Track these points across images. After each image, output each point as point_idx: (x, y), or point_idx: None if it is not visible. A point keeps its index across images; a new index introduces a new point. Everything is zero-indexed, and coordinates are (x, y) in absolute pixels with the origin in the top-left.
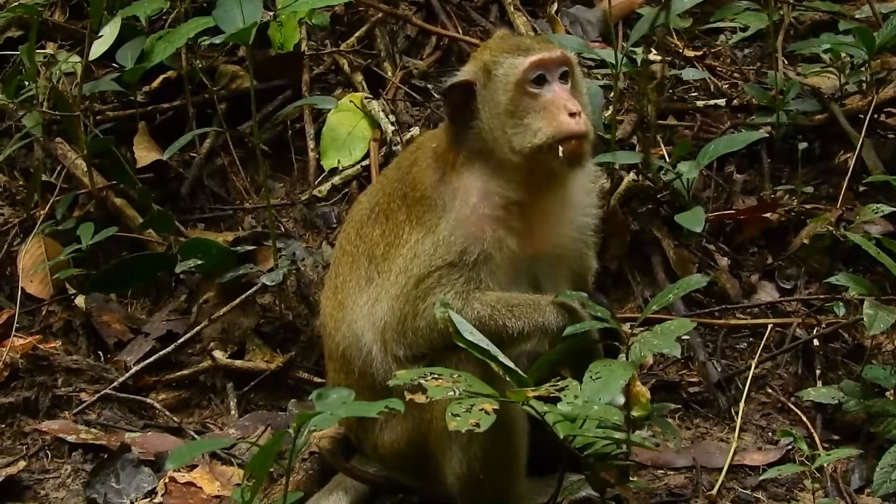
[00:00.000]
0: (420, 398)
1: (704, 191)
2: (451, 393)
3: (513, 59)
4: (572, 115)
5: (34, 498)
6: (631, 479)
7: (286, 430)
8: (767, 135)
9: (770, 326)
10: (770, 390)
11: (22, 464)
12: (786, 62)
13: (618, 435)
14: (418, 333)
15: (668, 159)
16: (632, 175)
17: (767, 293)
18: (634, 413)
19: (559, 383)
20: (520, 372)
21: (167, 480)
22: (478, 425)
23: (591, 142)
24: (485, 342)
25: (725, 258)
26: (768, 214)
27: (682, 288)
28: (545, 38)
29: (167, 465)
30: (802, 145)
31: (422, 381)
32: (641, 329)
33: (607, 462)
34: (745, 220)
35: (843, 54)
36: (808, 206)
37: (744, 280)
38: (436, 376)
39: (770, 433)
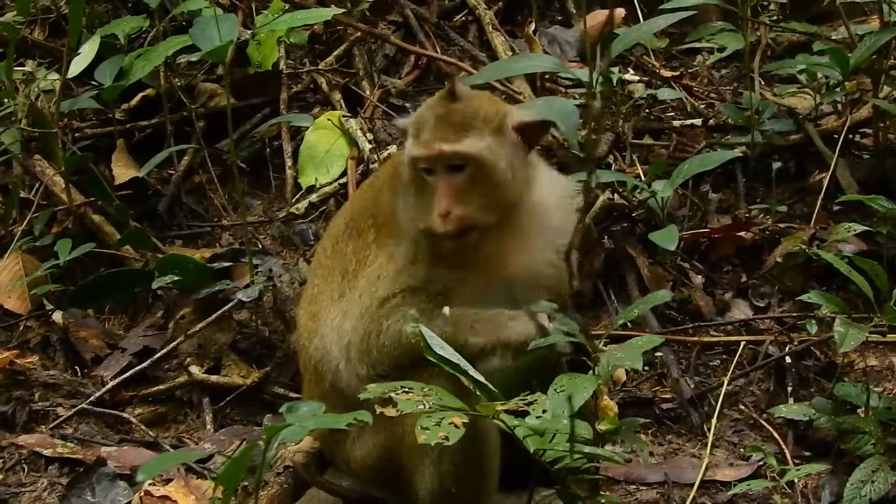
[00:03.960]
0: (391, 411)
1: (679, 209)
2: (422, 406)
3: (410, 141)
4: (442, 215)
5: None
6: (602, 493)
7: (257, 442)
8: (742, 154)
9: (743, 344)
10: (742, 407)
11: None
12: (762, 83)
13: (587, 449)
14: (382, 351)
15: (643, 178)
16: (607, 193)
17: (741, 311)
18: (601, 427)
19: (528, 397)
20: (490, 386)
21: (142, 494)
22: (447, 438)
23: (477, 229)
24: (455, 356)
25: (700, 276)
26: (742, 233)
27: (648, 302)
28: (458, 122)
29: (139, 476)
30: (777, 165)
31: (392, 394)
32: (611, 344)
33: (578, 476)
34: (720, 239)
35: (818, 75)
36: (782, 225)
37: (717, 298)
38: (406, 390)
39: (742, 449)
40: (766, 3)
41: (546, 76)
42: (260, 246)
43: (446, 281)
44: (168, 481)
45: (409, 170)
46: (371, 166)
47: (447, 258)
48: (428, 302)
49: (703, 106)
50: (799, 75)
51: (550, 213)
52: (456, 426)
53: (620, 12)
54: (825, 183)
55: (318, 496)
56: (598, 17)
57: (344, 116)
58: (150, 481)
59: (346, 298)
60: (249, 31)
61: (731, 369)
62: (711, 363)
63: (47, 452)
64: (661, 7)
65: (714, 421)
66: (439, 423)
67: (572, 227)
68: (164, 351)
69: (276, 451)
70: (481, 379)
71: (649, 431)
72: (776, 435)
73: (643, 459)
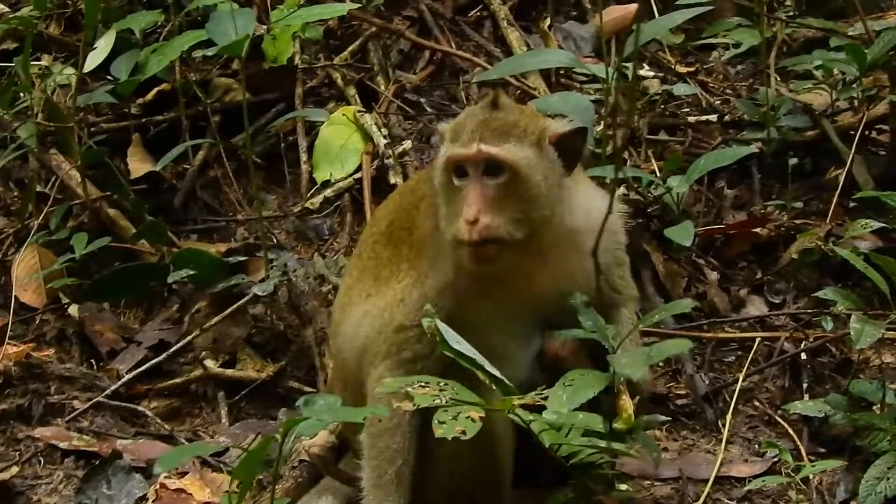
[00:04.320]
0: (407, 406)
1: (695, 205)
2: (438, 401)
3: (447, 143)
4: (470, 221)
5: (27, 503)
6: (617, 488)
7: (273, 435)
8: (758, 150)
9: (758, 340)
10: (757, 403)
11: (15, 469)
12: (778, 79)
13: (603, 443)
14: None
15: (658, 174)
16: (622, 189)
17: (756, 307)
18: (616, 425)
19: (545, 391)
20: (506, 381)
21: (158, 487)
22: (464, 433)
23: (502, 243)
24: (472, 351)
25: (715, 272)
26: (758, 229)
27: (670, 310)
28: (499, 128)
29: (156, 468)
30: (793, 161)
31: (409, 389)
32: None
33: (593, 471)
34: (735, 235)
35: (834, 71)
36: (797, 222)
37: (733, 294)
38: (423, 384)
39: (756, 445)
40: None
41: (561, 72)
42: (275, 240)
43: (469, 316)
44: (183, 474)
45: (443, 174)
46: (386, 161)
47: (474, 288)
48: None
49: (718, 102)
50: (815, 71)
51: (583, 236)
52: (473, 420)
53: (634, 8)
54: (841, 179)
55: (333, 485)
56: (613, 12)
57: (359, 112)
58: (165, 474)
59: (373, 302)
60: (264, 26)
61: (747, 366)
62: (726, 359)
63: (63, 445)
64: (676, 3)
65: (729, 417)
66: (456, 418)
67: (618, 242)
68: (179, 345)
69: (292, 445)
70: (498, 374)
71: (664, 427)
72: (791, 431)
73: (655, 462)
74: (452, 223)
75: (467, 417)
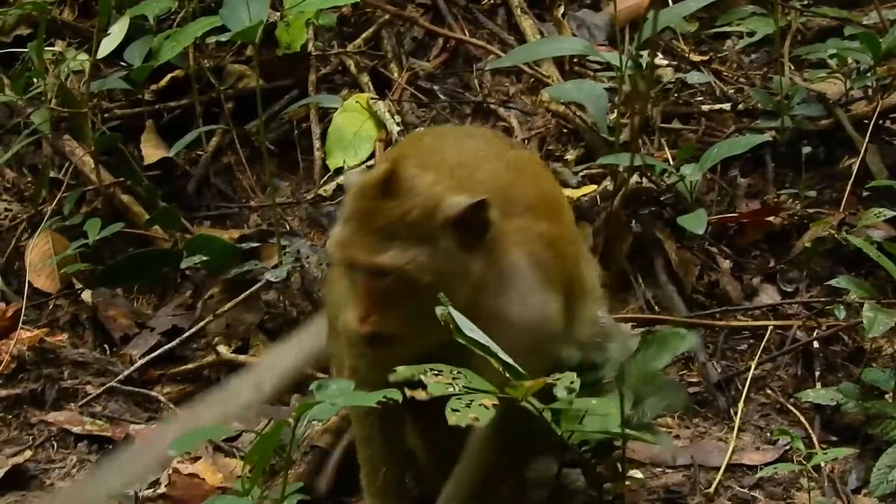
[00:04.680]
0: (421, 395)
1: (708, 194)
2: (451, 389)
3: (337, 225)
4: (360, 319)
5: (40, 487)
6: (628, 475)
7: (286, 420)
8: (772, 139)
9: (770, 328)
10: (769, 391)
11: (28, 453)
12: (792, 67)
13: (615, 430)
14: None
15: (671, 162)
16: (635, 177)
17: (769, 296)
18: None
19: (558, 376)
20: (518, 368)
21: (171, 472)
22: (477, 419)
23: (386, 338)
24: (485, 339)
25: (727, 261)
26: (771, 218)
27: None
28: (382, 228)
29: (169, 451)
30: (806, 150)
31: (422, 377)
32: (641, 331)
33: (605, 457)
34: (748, 224)
35: (849, 60)
36: (811, 210)
37: (745, 282)
38: (436, 372)
39: (768, 433)
40: None
41: (575, 59)
42: (288, 227)
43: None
44: (196, 459)
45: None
46: None
47: None
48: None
49: (732, 90)
50: (829, 60)
51: (505, 326)
52: (486, 407)
53: None
54: (855, 168)
55: None
56: (627, 0)
57: (372, 99)
58: (178, 459)
59: None
60: (278, 13)
61: (759, 354)
62: (739, 347)
63: (76, 430)
64: None
65: (741, 405)
66: (469, 405)
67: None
68: (192, 330)
69: (304, 430)
70: (510, 361)
71: (676, 415)
72: (803, 419)
73: (663, 445)
74: (346, 309)
75: (480, 405)
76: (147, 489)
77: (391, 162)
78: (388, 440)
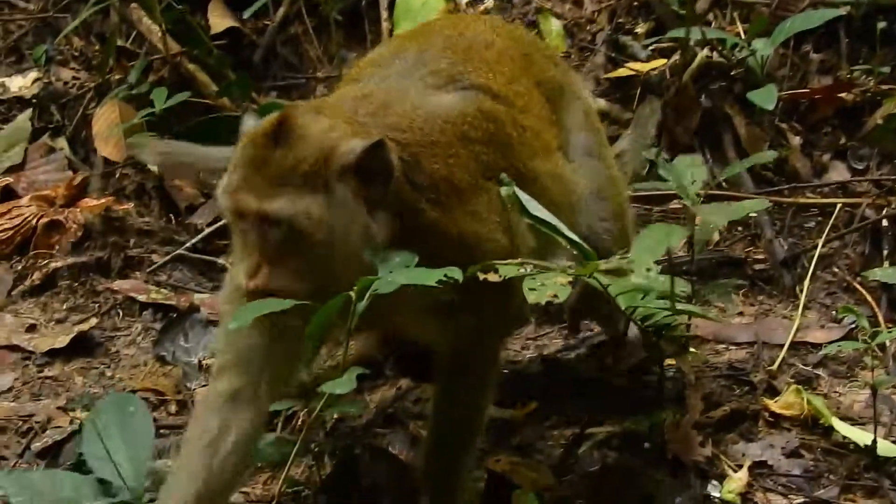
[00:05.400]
0: (493, 277)
1: (779, 69)
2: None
3: (224, 177)
4: (250, 275)
5: (105, 354)
6: (691, 351)
7: (347, 293)
8: (846, 13)
9: (839, 206)
10: (836, 269)
11: (94, 321)
12: None
13: (679, 305)
14: None
15: (743, 36)
16: (705, 51)
17: (838, 173)
18: None
19: (628, 255)
20: (585, 245)
21: None
22: (556, 297)
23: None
24: (551, 217)
25: (797, 137)
26: (843, 94)
27: (751, 161)
28: (272, 175)
29: (232, 323)
30: (881, 25)
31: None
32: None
33: (667, 334)
34: (819, 100)
35: None
36: (883, 87)
37: (815, 159)
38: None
39: (834, 311)
40: None
41: None
42: None
43: None
44: None
45: (226, 214)
46: None
47: None
48: None
49: None
50: None
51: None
52: (563, 285)
53: None
54: None
55: None
56: None
57: None
58: None
59: None
60: None
61: (826, 231)
62: (806, 225)
63: (141, 298)
64: None
65: (807, 283)
66: (545, 284)
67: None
68: None
69: (367, 303)
70: (576, 238)
71: (741, 292)
72: (869, 298)
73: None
74: (238, 266)
75: (557, 282)
76: (211, 357)
77: (284, 109)
78: None
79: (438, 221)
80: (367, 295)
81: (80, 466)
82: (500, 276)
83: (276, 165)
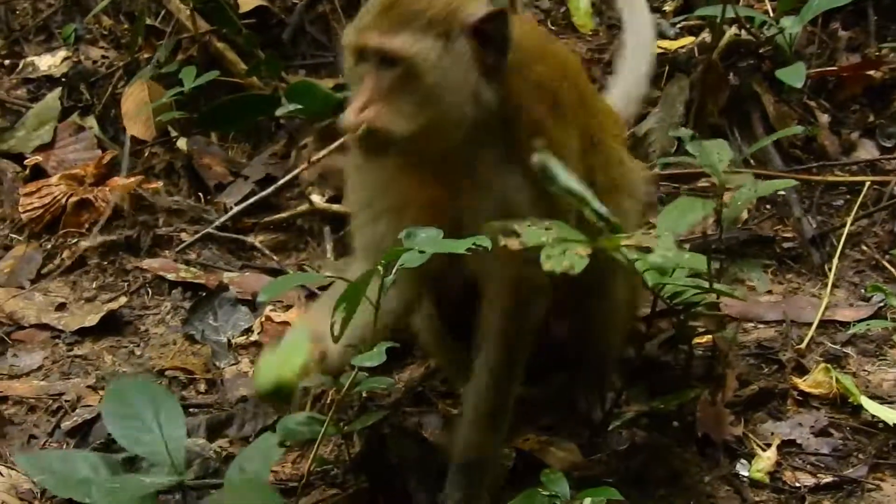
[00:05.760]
0: (514, 244)
1: (808, 47)
2: (545, 239)
3: (351, 25)
4: (355, 112)
5: (134, 332)
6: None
7: (377, 267)
8: None
9: (868, 184)
10: (864, 247)
11: (123, 299)
12: None
13: (707, 284)
14: None
15: (771, 14)
16: (733, 29)
17: (867, 151)
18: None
19: (652, 231)
20: (612, 219)
21: (263, 319)
22: (572, 267)
23: (386, 135)
24: (581, 188)
25: (826, 115)
26: (872, 72)
27: (779, 134)
28: (399, 15)
29: (260, 297)
30: None
31: (517, 226)
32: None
33: (705, 311)
34: (848, 77)
35: None
36: None
37: (843, 137)
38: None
39: (862, 290)
40: None
41: None
42: None
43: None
44: (288, 308)
45: (346, 58)
46: None
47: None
48: None
49: None
50: None
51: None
52: (580, 256)
53: None
54: None
55: None
56: None
57: None
58: (270, 307)
59: None
60: None
61: (855, 210)
62: (835, 203)
63: (171, 276)
64: None
65: (835, 261)
66: (563, 253)
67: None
68: (286, 179)
69: (395, 278)
70: (604, 211)
71: (769, 270)
72: None
73: (760, 287)
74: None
75: (575, 254)
76: (240, 336)
77: None
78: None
79: (537, 122)
80: (395, 270)
81: (108, 445)
82: (521, 245)
83: (402, 9)
